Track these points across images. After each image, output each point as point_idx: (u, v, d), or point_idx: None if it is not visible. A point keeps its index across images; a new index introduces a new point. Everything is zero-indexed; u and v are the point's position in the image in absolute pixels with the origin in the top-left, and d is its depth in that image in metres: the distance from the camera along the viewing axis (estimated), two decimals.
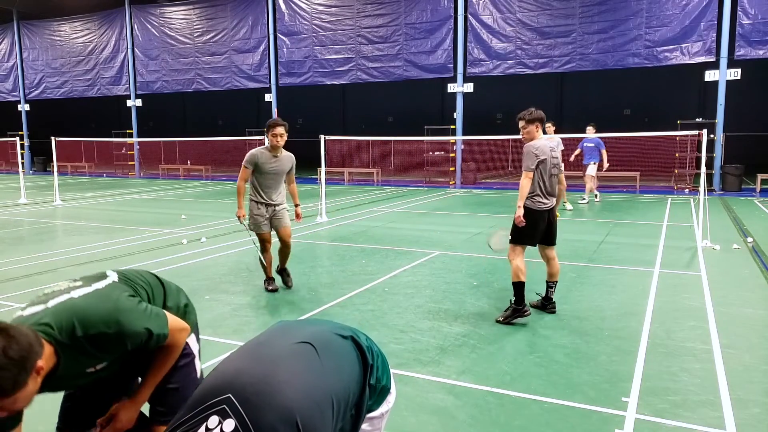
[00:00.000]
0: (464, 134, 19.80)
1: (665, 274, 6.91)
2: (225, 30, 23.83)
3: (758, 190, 16.53)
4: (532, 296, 5.62)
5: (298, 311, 5.59)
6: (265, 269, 6.29)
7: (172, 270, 7.33)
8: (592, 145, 13.54)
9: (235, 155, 19.24)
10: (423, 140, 20.47)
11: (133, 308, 2.07)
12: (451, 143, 20.40)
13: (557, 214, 5.66)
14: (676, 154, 18.55)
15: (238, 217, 6.15)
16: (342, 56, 21.47)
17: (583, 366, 4.19)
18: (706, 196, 10.11)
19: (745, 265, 7.38)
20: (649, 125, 24.57)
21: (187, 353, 2.37)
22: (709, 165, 16.61)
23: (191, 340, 2.42)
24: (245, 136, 22.29)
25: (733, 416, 3.43)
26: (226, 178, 23.39)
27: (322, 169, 12.62)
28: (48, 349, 1.85)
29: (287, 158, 6.19)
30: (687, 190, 16.94)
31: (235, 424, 1.44)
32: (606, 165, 13.51)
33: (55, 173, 16.31)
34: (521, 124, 5.35)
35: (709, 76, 17.18)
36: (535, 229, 5.29)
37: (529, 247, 5.41)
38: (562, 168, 5.68)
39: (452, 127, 20.37)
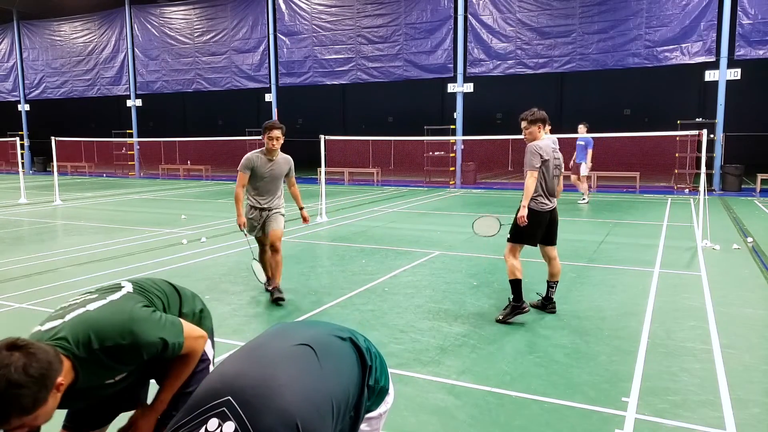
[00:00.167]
0: (464, 134, 19.79)
1: (665, 274, 6.91)
2: (225, 30, 23.83)
3: (758, 190, 16.53)
4: (532, 296, 5.61)
5: (298, 311, 5.59)
6: (263, 272, 6.09)
7: (172, 270, 7.33)
8: (582, 143, 13.48)
9: (235, 155, 19.17)
10: (423, 140, 20.45)
11: (147, 318, 2.07)
12: (451, 143, 20.39)
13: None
14: (676, 154, 18.54)
15: (239, 225, 5.94)
16: (342, 56, 21.47)
17: (583, 366, 4.19)
18: (706, 196, 10.10)
19: (745, 265, 7.38)
20: (649, 125, 24.58)
21: (203, 359, 2.37)
22: (709, 165, 16.61)
23: (207, 346, 2.41)
24: (245, 136, 22.25)
25: (733, 416, 3.43)
26: (226, 178, 23.38)
27: (322, 169, 12.62)
28: (66, 364, 1.84)
29: (284, 161, 5.98)
30: (687, 190, 16.94)
31: (235, 427, 1.44)
32: (590, 165, 13.49)
33: (55, 173, 16.31)
34: (523, 124, 5.34)
35: (709, 76, 17.18)
36: (537, 230, 5.29)
37: (529, 246, 5.41)
38: (563, 169, 5.68)
39: (452, 127, 20.37)
